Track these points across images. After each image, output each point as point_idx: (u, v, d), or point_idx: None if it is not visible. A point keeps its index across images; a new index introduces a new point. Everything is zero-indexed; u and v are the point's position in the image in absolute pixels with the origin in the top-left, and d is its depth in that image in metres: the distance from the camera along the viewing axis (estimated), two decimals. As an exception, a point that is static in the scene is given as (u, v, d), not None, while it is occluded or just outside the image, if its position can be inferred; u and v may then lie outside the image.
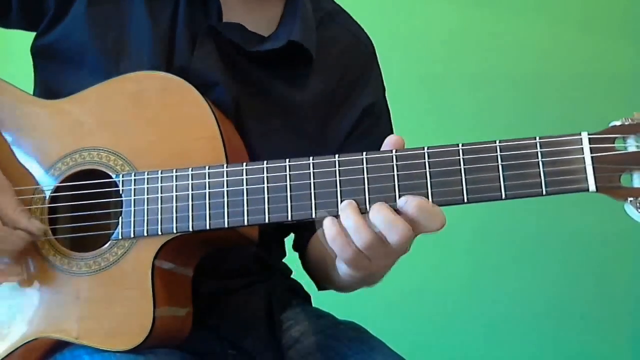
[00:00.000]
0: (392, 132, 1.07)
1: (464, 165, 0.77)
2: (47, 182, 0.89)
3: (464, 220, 1.79)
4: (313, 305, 1.12)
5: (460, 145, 0.78)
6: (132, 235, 0.84)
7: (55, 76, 0.98)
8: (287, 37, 0.95)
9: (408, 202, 0.74)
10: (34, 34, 1.00)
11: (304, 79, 0.99)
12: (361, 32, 1.09)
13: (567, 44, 1.97)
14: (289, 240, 1.08)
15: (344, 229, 0.75)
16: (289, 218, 0.80)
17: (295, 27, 0.97)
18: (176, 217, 0.83)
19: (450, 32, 1.95)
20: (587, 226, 1.89)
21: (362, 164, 0.79)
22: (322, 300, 1.10)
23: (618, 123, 0.77)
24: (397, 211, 0.75)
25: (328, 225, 0.76)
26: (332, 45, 1.03)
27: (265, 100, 0.97)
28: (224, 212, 0.82)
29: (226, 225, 0.82)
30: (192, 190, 0.83)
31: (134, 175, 0.85)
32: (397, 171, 0.78)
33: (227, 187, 0.82)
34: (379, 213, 0.74)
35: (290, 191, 0.80)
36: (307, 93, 0.99)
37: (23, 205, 0.86)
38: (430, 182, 0.77)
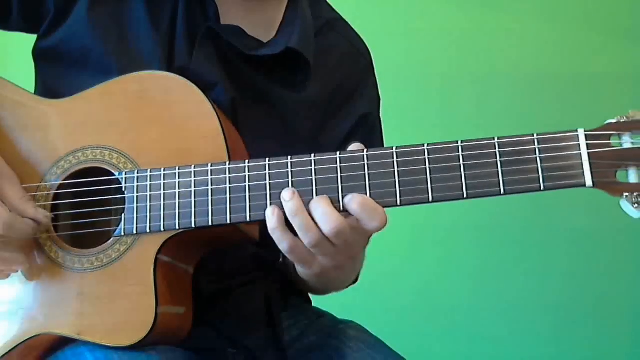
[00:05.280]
0: (383, 143, 1.09)
1: (463, 161, 0.79)
2: (50, 180, 0.89)
3: (467, 219, 1.80)
4: (313, 304, 1.12)
5: (459, 142, 0.79)
6: (134, 232, 0.85)
7: (57, 78, 0.99)
8: (286, 44, 0.97)
9: (352, 199, 0.78)
10: (34, 35, 1.01)
11: (301, 85, 1.00)
12: (360, 42, 1.10)
13: (565, 43, 1.99)
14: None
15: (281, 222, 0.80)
16: (291, 214, 0.81)
17: (294, 33, 0.98)
18: (179, 213, 0.84)
19: (450, 32, 1.96)
20: (589, 224, 1.90)
21: (363, 161, 0.80)
22: (322, 300, 1.10)
23: (614, 120, 0.78)
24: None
25: (269, 215, 0.80)
26: (330, 53, 1.04)
27: (261, 103, 0.99)
28: (226, 208, 0.82)
29: (229, 221, 0.82)
30: (194, 187, 0.84)
31: (137, 173, 0.86)
32: (398, 167, 0.80)
33: (229, 183, 0.83)
34: (318, 204, 0.78)
35: (292, 187, 0.81)
36: (303, 98, 1.00)
37: (29, 196, 0.87)
38: (430, 178, 0.79)
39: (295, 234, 0.80)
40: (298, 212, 0.79)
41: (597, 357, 1.94)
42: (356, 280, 1.04)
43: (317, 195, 0.80)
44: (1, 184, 0.85)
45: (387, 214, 0.79)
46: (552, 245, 1.95)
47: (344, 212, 0.79)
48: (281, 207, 0.80)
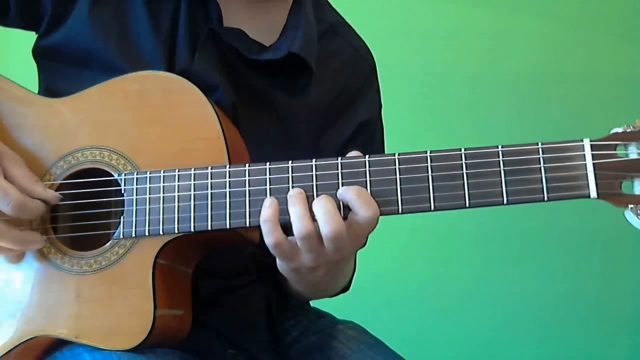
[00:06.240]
0: (383, 150, 1.08)
1: (466, 169, 0.78)
2: (48, 180, 0.89)
3: (466, 220, 1.80)
4: (312, 305, 1.12)
5: (462, 149, 0.78)
6: (133, 235, 0.84)
7: (58, 77, 0.98)
8: (288, 48, 0.96)
9: (347, 188, 0.78)
10: (34, 34, 1.00)
11: (303, 90, 0.99)
12: (363, 47, 1.09)
13: (569, 45, 1.97)
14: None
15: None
16: (291, 219, 0.80)
17: (297, 38, 0.97)
18: (178, 217, 0.83)
19: (450, 33, 1.95)
20: (590, 227, 1.89)
21: (365, 167, 0.80)
22: (322, 300, 1.10)
23: (620, 130, 0.77)
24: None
25: (266, 206, 0.79)
26: (333, 58, 1.03)
27: (262, 107, 0.97)
28: (225, 213, 0.82)
29: (228, 227, 0.82)
30: (194, 191, 0.83)
31: (136, 175, 0.85)
32: (400, 175, 0.79)
33: (229, 187, 0.82)
34: (321, 203, 0.78)
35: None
36: (304, 103, 0.99)
37: (37, 176, 0.87)
38: (432, 186, 0.78)
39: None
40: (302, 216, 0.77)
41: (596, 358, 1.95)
42: (348, 288, 1.03)
43: None
44: (8, 166, 0.85)
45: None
46: (550, 247, 1.94)
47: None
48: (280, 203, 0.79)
